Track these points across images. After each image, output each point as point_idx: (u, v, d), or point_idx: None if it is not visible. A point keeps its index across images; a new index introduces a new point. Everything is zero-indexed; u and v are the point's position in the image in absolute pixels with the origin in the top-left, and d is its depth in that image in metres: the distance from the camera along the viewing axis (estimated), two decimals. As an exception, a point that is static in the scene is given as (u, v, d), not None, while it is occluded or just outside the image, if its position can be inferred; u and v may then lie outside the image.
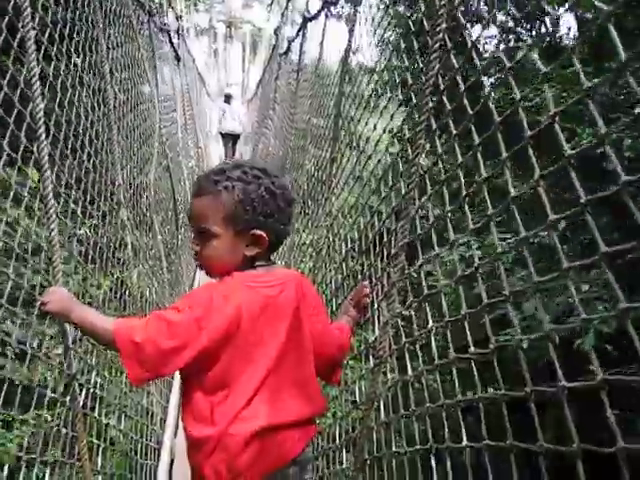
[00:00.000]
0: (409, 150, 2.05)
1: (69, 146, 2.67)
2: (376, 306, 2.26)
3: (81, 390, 2.33)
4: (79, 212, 2.92)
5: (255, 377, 1.64)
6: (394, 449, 1.94)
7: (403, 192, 2.04)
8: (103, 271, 3.59)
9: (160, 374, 1.63)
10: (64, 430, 2.32)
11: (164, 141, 5.96)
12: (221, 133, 14.10)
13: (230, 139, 13.88)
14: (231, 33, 27.46)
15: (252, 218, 1.67)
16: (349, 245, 2.79)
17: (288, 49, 7.70)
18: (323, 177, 3.70)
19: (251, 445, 1.61)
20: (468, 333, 1.52)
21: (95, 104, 3.31)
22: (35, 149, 2.11)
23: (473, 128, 1.61)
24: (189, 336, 1.55)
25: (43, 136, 2.10)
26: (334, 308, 2.89)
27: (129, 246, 3.67)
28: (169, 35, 8.18)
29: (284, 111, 7.17)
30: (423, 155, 1.85)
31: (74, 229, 2.93)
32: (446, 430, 1.57)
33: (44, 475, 2.28)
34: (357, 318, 2.06)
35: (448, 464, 1.57)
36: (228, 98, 14.40)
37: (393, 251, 1.93)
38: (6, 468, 2.14)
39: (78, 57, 2.98)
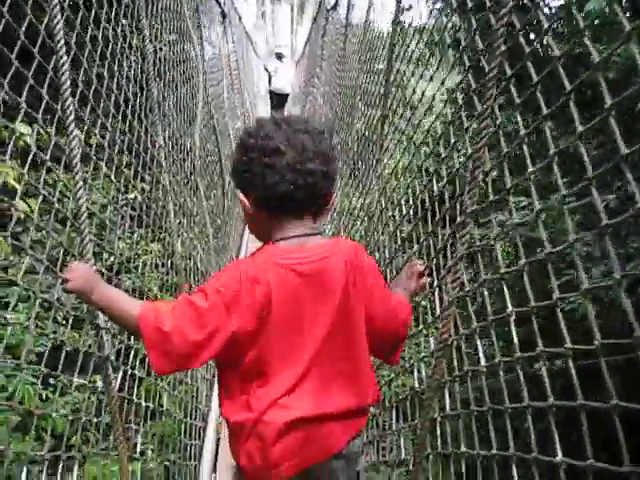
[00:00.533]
0: (476, 103, 1.79)
1: (102, 105, 2.47)
2: (436, 282, 2.03)
3: (116, 371, 2.17)
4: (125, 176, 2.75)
5: (296, 364, 1.51)
6: (463, 449, 1.72)
7: (470, 152, 1.78)
8: (153, 236, 3.48)
9: (187, 367, 1.50)
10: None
11: (209, 101, 5.74)
12: (270, 92, 13.84)
13: (279, 99, 13.62)
14: (279, -6, 26.87)
15: (234, 177, 1.60)
16: (404, 210, 2.53)
17: (336, 3, 7.34)
18: (374, 137, 3.44)
19: (287, 435, 1.49)
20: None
21: (132, 60, 3.09)
22: (59, 108, 1.92)
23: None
24: (219, 322, 1.44)
25: (68, 92, 1.91)
26: (388, 277, 2.67)
27: (171, 213, 3.50)
28: (214, -9, 7.90)
29: (331, 68, 6.87)
30: (496, 107, 1.59)
31: (122, 194, 2.79)
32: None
33: (97, 440, 2.17)
34: (414, 293, 1.85)
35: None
36: (280, 57, 14.21)
37: (459, 219, 1.68)
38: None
39: (111, 6, 2.73)
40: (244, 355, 1.50)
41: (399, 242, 2.64)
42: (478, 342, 1.64)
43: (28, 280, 3.46)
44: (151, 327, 1.43)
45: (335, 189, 1.63)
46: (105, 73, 2.57)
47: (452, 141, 2.06)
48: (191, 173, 4.51)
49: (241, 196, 1.56)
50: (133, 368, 2.53)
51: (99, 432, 2.21)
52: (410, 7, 3.27)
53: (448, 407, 1.87)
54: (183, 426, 3.24)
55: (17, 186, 2.03)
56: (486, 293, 1.61)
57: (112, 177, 2.56)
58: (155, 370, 1.48)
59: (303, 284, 1.50)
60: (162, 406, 3.02)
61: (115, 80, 2.70)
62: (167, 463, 3.28)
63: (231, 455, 1.65)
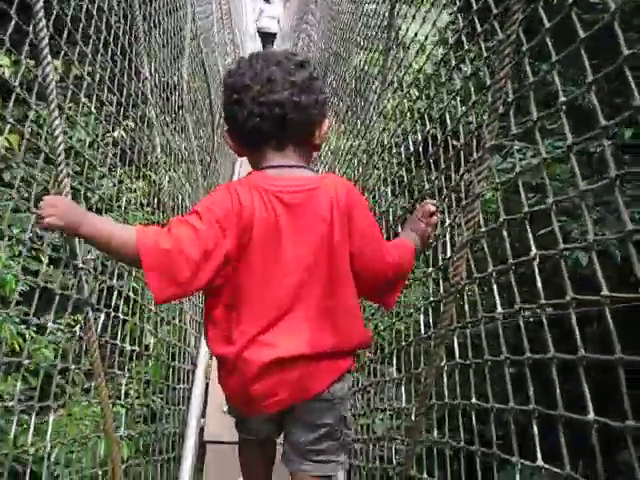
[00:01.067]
0: (496, 27, 1.61)
1: (80, 32, 2.25)
2: (447, 222, 1.89)
3: (97, 318, 2.03)
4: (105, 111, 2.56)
5: (276, 298, 1.52)
6: (473, 400, 1.61)
7: (489, 83, 1.61)
8: (137, 173, 3.33)
9: (185, 291, 1.48)
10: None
11: (198, 34, 5.46)
12: (259, 31, 13.79)
13: (266, 37, 13.57)
14: None
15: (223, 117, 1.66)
16: (410, 149, 2.36)
17: None
18: (375, 71, 3.25)
19: (267, 374, 1.52)
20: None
21: None
22: (31, 32, 1.73)
23: None
24: (215, 240, 1.45)
25: (41, 14, 1.71)
26: (391, 222, 2.53)
27: (158, 148, 3.32)
28: None
29: (327, 2, 6.56)
30: (520, 30, 1.42)
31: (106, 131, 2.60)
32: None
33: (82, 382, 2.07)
34: (425, 236, 1.79)
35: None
36: None
37: (476, 155, 1.53)
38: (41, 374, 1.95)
39: None
40: (227, 283, 1.50)
41: (404, 183, 2.48)
42: (494, 287, 1.50)
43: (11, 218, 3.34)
44: (150, 249, 1.40)
45: (320, 121, 1.61)
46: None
47: (468, 72, 1.89)
48: (179, 108, 4.30)
49: (225, 134, 1.63)
50: (117, 309, 2.39)
51: (83, 374, 2.12)
52: None
53: (458, 356, 1.74)
54: (170, 370, 3.14)
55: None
56: (505, 233, 1.46)
57: (95, 112, 2.37)
58: (155, 296, 1.44)
59: (285, 213, 1.51)
60: (148, 348, 2.93)
61: (96, 5, 2.47)
62: (153, 406, 3.21)
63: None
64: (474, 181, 1.51)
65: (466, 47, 1.85)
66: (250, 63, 1.56)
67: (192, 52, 5.07)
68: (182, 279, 1.42)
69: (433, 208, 1.78)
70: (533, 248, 1.30)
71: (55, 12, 1.96)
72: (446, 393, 1.79)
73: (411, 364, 2.10)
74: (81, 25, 2.23)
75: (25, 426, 2.29)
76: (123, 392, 2.51)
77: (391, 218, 2.55)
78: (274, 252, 1.50)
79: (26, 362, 1.79)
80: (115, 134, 2.96)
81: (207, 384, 3.41)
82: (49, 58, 1.74)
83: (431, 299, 2.01)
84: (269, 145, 1.57)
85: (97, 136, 2.62)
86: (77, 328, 1.98)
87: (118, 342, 2.37)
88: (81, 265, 1.81)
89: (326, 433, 1.66)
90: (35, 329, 3.61)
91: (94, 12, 2.41)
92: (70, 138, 3.91)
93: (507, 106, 1.52)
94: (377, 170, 2.97)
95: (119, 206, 2.85)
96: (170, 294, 1.45)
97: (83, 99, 2.19)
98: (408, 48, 2.66)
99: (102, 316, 2.19)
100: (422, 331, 2.07)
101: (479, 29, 1.76)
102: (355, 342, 1.63)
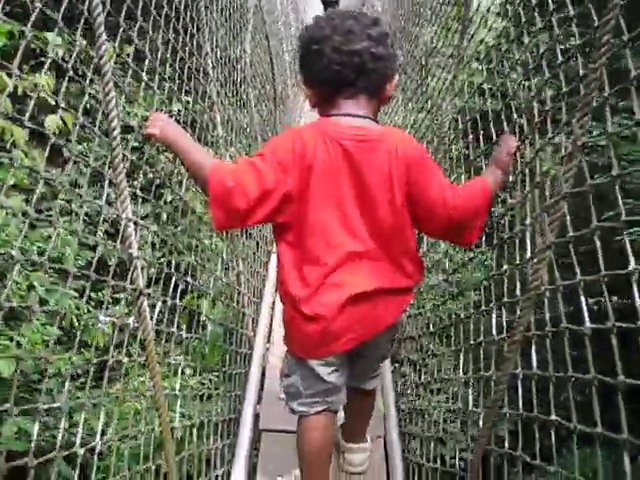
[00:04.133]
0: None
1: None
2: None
3: (153, 309, 1.97)
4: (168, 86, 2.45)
5: (338, 239, 1.63)
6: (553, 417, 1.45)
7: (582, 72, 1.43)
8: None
9: (243, 223, 1.62)
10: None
11: (262, 6, 5.31)
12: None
13: (330, 5, 13.03)
14: None
15: (299, 70, 1.77)
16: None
17: None
18: (449, 50, 3.04)
19: (344, 311, 1.63)
20: None
21: None
22: (85, 9, 1.63)
23: None
24: (276, 181, 1.57)
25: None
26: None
27: (218, 126, 3.22)
28: None
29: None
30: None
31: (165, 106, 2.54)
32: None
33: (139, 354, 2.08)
34: (504, 172, 1.80)
35: None
36: None
37: (566, 150, 1.37)
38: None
39: None
40: (293, 224, 1.64)
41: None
42: (582, 297, 1.34)
43: (69, 194, 3.32)
44: (216, 181, 1.56)
45: (391, 76, 1.71)
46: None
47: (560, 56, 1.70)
48: (240, 83, 4.18)
49: (302, 85, 1.75)
50: (174, 297, 2.33)
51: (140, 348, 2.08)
52: None
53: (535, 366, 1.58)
54: (226, 352, 3.07)
55: (50, 100, 1.87)
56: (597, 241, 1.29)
57: (155, 88, 2.27)
58: (215, 224, 1.59)
59: (346, 159, 1.60)
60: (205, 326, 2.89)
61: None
62: (209, 386, 3.16)
63: (283, 341, 1.85)
64: (561, 180, 1.36)
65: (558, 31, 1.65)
66: (328, 18, 1.68)
67: (255, 25, 4.92)
68: (239, 212, 1.57)
69: (513, 143, 1.79)
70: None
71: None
72: (521, 403, 1.64)
73: (480, 364, 1.99)
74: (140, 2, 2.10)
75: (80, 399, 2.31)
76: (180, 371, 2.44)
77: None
78: (335, 194, 1.62)
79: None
80: (174, 108, 2.89)
81: (264, 369, 3.32)
82: (104, 37, 1.65)
83: (505, 300, 1.84)
84: (343, 93, 1.68)
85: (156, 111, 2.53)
86: (131, 320, 1.90)
87: (174, 329, 2.31)
88: (136, 254, 1.77)
89: (385, 356, 2.05)
90: (93, 304, 3.63)
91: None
92: (128, 114, 3.88)
93: (602, 100, 1.35)
94: (447, 151, 2.79)
95: (178, 182, 2.81)
96: (227, 223, 1.63)
97: (144, 76, 2.10)
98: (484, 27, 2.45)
99: (158, 305, 2.14)
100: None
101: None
102: (416, 278, 1.78)
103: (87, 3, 1.63)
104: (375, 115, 1.74)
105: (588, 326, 1.34)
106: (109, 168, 1.76)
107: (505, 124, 1.98)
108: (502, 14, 2.25)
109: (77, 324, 3.24)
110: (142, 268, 1.89)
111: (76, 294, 3.25)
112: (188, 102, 2.94)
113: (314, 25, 1.70)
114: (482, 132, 2.22)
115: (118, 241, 1.87)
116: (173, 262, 2.45)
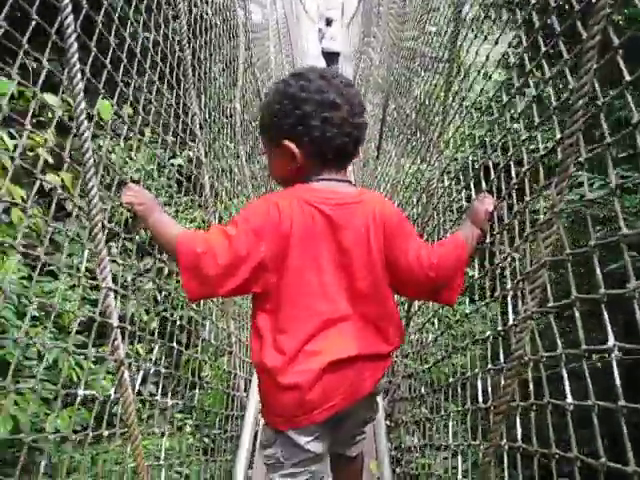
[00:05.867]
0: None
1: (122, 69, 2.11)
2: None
3: (133, 376, 1.96)
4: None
5: (317, 306, 1.58)
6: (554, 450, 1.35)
7: (559, 137, 1.38)
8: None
9: (215, 292, 1.57)
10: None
11: (253, 62, 5.34)
12: (323, 52, 13.94)
13: (330, 57, 13.70)
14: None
15: (278, 127, 1.62)
16: (472, 190, 2.16)
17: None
18: (435, 106, 3.03)
19: (320, 380, 1.57)
20: None
21: (161, 18, 2.69)
22: (65, 73, 1.62)
23: None
24: (248, 248, 1.52)
25: (75, 47, 1.60)
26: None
27: (206, 186, 3.18)
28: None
29: (389, 26, 6.36)
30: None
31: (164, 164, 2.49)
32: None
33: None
34: (481, 229, 1.79)
35: None
36: (329, 22, 14.26)
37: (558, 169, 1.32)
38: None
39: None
40: (271, 293, 1.58)
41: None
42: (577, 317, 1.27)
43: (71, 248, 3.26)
44: (186, 248, 1.53)
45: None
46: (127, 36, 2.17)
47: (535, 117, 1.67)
48: (231, 140, 4.17)
49: (292, 146, 1.60)
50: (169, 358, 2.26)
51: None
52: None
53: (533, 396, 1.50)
54: (217, 415, 2.99)
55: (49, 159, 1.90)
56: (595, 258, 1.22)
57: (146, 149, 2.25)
58: (187, 294, 1.55)
59: (325, 224, 1.57)
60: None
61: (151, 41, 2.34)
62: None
63: (260, 398, 1.75)
64: (554, 197, 1.33)
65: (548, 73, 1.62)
66: (326, 81, 1.60)
67: (246, 82, 4.94)
68: (210, 281, 1.52)
69: (490, 204, 1.77)
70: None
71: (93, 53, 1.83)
72: (519, 435, 1.57)
73: (476, 398, 1.94)
74: (122, 65, 2.08)
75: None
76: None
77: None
78: (314, 260, 1.57)
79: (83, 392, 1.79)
80: (166, 171, 2.87)
81: (256, 433, 3.22)
82: (83, 105, 1.66)
83: (499, 328, 1.80)
84: (341, 161, 1.66)
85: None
86: (112, 390, 1.84)
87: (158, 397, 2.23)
88: (116, 324, 1.71)
89: (367, 421, 1.92)
90: (94, 360, 3.54)
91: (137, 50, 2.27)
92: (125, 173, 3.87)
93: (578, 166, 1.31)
94: (439, 209, 2.75)
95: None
96: (199, 293, 1.57)
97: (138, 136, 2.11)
98: (469, 87, 2.43)
99: (139, 375, 2.07)
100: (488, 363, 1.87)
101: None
102: (396, 343, 1.73)
103: (66, 72, 1.63)
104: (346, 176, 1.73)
105: (569, 401, 1.29)
106: (88, 237, 1.73)
107: (484, 183, 1.99)
108: (486, 76, 2.21)
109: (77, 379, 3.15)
110: (122, 338, 1.83)
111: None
112: (173, 165, 2.90)
113: (312, 86, 1.58)
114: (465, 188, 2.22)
115: (97, 311, 1.81)
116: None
